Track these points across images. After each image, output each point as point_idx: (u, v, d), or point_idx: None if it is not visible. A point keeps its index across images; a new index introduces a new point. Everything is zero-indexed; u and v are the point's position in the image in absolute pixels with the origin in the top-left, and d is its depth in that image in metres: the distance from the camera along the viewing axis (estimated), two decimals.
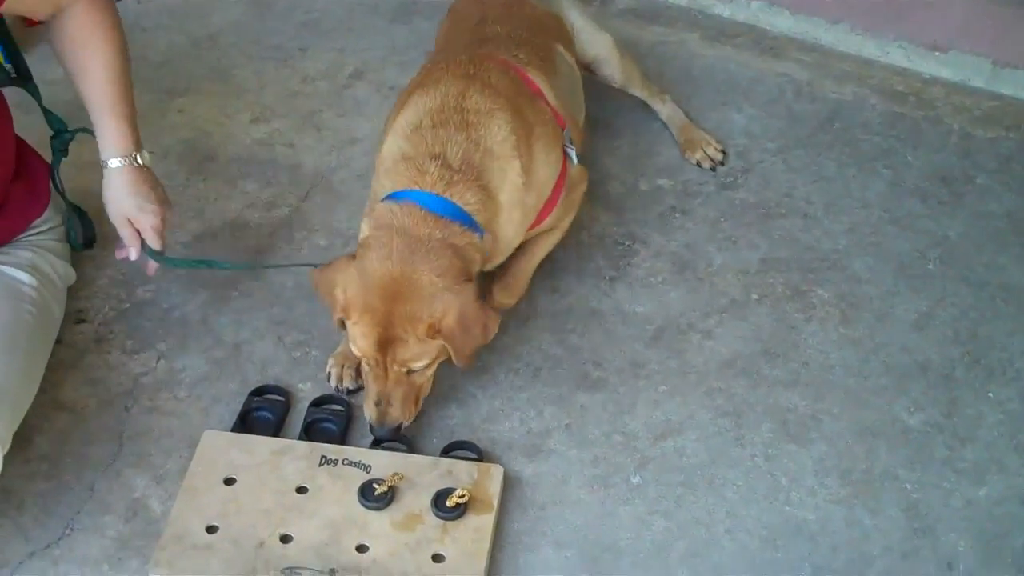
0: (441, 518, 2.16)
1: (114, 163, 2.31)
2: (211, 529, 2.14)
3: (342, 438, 2.34)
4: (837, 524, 2.24)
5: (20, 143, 2.35)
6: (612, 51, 3.02)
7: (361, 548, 2.12)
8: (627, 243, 2.82)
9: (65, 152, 2.46)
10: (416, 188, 2.19)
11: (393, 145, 2.29)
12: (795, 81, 3.33)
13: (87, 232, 2.56)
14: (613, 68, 3.04)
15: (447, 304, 2.11)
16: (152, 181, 2.37)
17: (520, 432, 2.39)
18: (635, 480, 2.31)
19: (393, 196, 2.21)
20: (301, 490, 2.21)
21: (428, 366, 2.21)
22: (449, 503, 2.16)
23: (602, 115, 3.13)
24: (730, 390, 2.48)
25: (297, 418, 2.39)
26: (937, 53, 3.33)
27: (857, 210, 2.93)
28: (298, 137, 3.10)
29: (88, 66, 2.27)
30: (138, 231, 2.38)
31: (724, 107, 3.22)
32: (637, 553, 2.18)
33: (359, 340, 2.15)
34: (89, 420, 2.38)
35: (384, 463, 2.25)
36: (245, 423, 2.36)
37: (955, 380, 2.52)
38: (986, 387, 2.50)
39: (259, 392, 2.42)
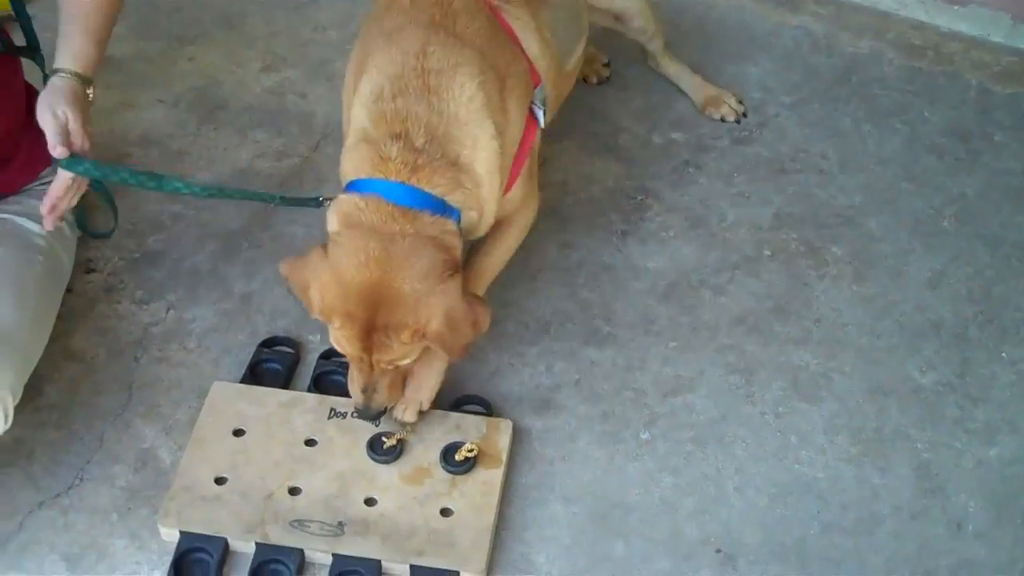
0: (450, 472, 2.16)
1: (63, 76, 2.15)
2: (220, 480, 2.14)
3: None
4: (847, 483, 2.23)
5: (31, 94, 2.33)
6: (642, 3, 2.85)
7: (369, 501, 2.13)
8: (639, 197, 2.79)
9: None
10: (380, 177, 1.99)
11: (357, 118, 2.07)
12: (811, 34, 3.28)
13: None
14: (646, 20, 2.88)
15: (432, 309, 1.95)
16: (87, 114, 2.18)
17: (529, 387, 2.38)
18: (644, 436, 2.30)
19: (357, 187, 2.02)
20: (310, 442, 2.21)
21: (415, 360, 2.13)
22: (458, 457, 2.16)
23: (613, 66, 3.10)
24: (741, 347, 2.47)
25: (306, 370, 2.38)
26: (956, 7, 3.28)
27: (873, 166, 2.90)
28: (309, 87, 3.07)
29: None
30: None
31: (740, 60, 3.18)
32: (645, 509, 2.18)
33: (342, 343, 2.02)
34: (99, 370, 2.38)
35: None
36: (254, 374, 2.36)
37: (968, 340, 2.50)
38: (999, 347, 2.48)
39: (268, 344, 2.42)
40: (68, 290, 2.43)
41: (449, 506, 2.12)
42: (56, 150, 2.08)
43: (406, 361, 2.05)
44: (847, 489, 2.22)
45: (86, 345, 2.42)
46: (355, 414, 2.16)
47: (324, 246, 2.00)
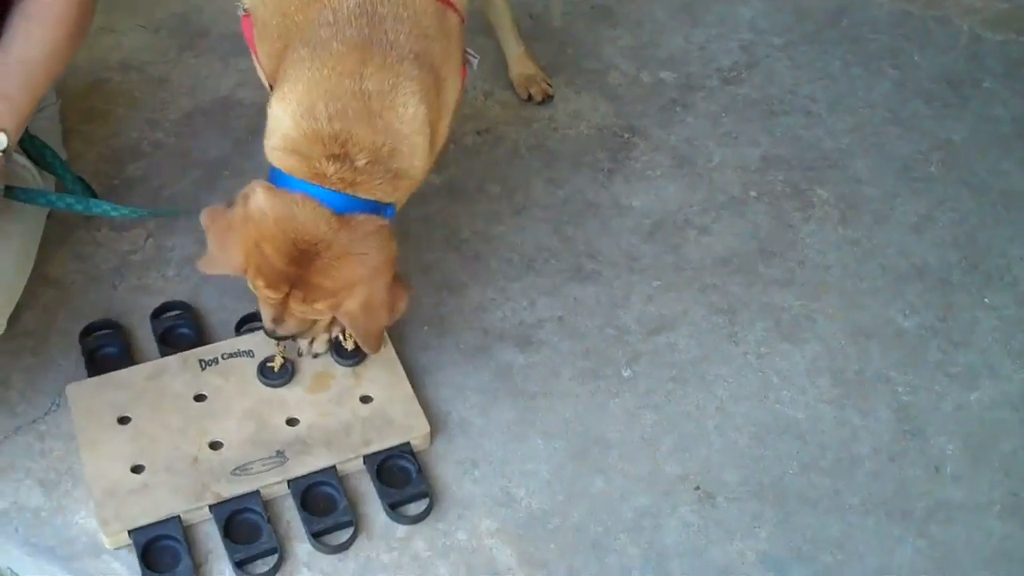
0: (348, 366, 2.18)
1: None
2: (137, 469, 2.04)
3: (203, 337, 2.28)
4: (827, 424, 2.23)
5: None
6: None
7: (292, 422, 2.11)
8: (626, 135, 2.77)
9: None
10: (315, 184, 1.87)
11: (283, 124, 1.89)
12: None
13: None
14: None
15: (353, 290, 1.89)
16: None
17: (512, 322, 2.37)
18: (626, 374, 2.30)
19: (285, 183, 1.88)
20: (200, 398, 2.15)
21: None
22: (348, 347, 2.17)
23: (604, 2, 3.06)
24: (725, 287, 2.46)
25: (146, 337, 2.29)
26: None
27: (861, 110, 2.88)
28: None
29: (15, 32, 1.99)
30: None
31: (730, 0, 3.15)
32: (625, 446, 2.18)
33: (261, 294, 1.94)
34: (76, 296, 2.36)
35: (262, 341, 2.18)
36: (95, 364, 2.23)
37: (952, 284, 2.50)
38: (982, 292, 2.48)
39: (87, 332, 2.29)
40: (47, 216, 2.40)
41: (366, 393, 2.14)
42: None
43: (318, 319, 2.02)
44: (827, 430, 2.22)
45: (64, 271, 2.39)
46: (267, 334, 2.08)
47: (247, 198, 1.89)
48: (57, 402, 2.18)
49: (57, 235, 2.42)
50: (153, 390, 2.16)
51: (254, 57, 2.14)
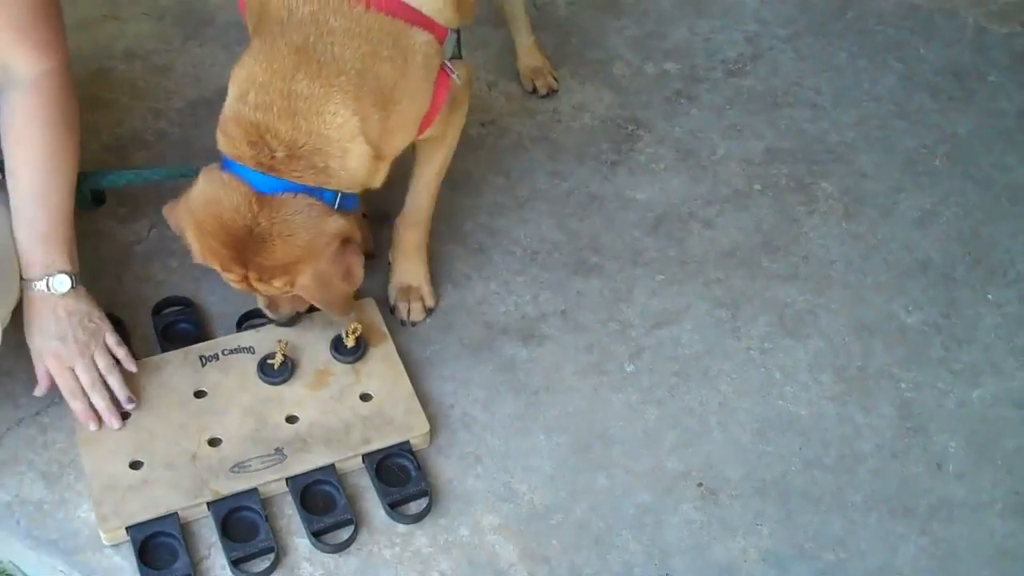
0: (348, 363, 2.18)
1: (37, 286, 2.02)
2: (135, 465, 2.04)
3: (205, 333, 2.28)
4: (829, 420, 2.23)
5: None
6: None
7: (291, 419, 2.11)
8: (630, 127, 2.76)
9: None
10: (244, 165, 1.88)
11: (230, 91, 1.93)
12: None
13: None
14: None
15: (299, 265, 1.91)
16: (86, 301, 2.07)
17: (515, 316, 2.36)
18: (629, 368, 2.30)
19: (224, 165, 1.92)
20: (200, 394, 2.14)
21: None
22: (348, 344, 2.17)
23: None
24: (728, 281, 2.46)
25: (147, 332, 2.29)
26: None
27: (866, 103, 2.87)
28: None
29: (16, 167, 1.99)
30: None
31: None
32: (628, 442, 2.18)
33: (226, 280, 1.99)
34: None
35: (263, 338, 2.21)
36: None
37: (955, 280, 2.49)
38: (986, 288, 2.48)
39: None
40: None
41: (366, 391, 2.14)
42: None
43: (292, 293, 2.01)
44: (829, 426, 2.22)
45: None
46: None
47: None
48: (59, 394, 2.18)
49: None
50: (153, 385, 2.16)
51: None
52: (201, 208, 1.91)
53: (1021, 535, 2.08)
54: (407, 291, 2.33)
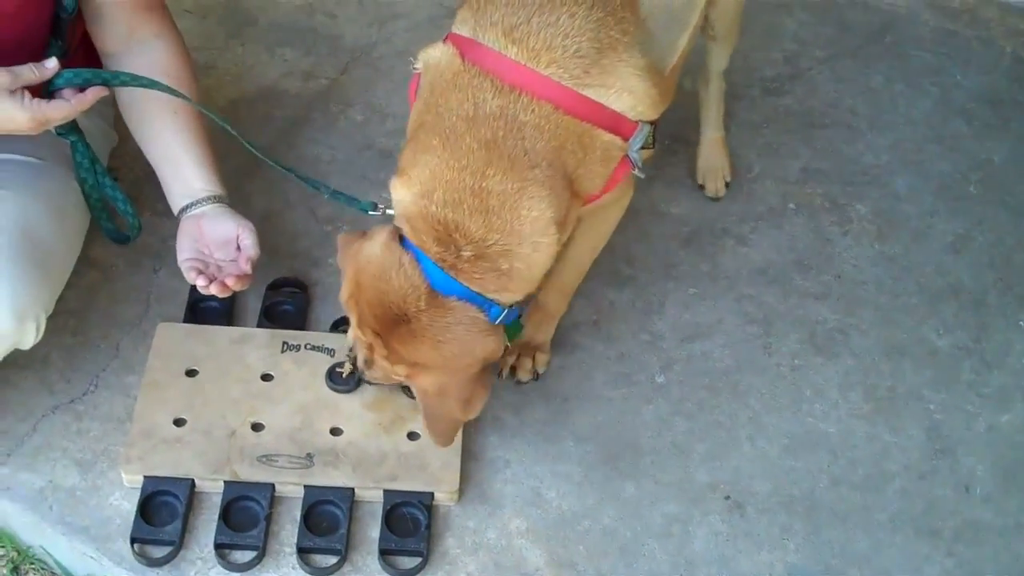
0: (412, 397, 2.12)
1: (209, 204, 2.16)
2: (179, 422, 2.09)
3: (302, 321, 2.31)
4: (858, 439, 2.24)
5: None
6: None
7: (335, 431, 2.11)
8: (667, 142, 2.77)
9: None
10: (426, 255, 1.82)
11: (404, 202, 1.86)
12: None
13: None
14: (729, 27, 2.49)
15: (431, 371, 1.87)
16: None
17: None
18: (660, 380, 2.31)
19: (404, 241, 1.85)
20: (266, 377, 2.18)
21: None
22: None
23: None
24: (760, 298, 2.47)
25: (254, 303, 2.33)
26: None
27: (902, 126, 2.88)
28: (339, 7, 3.03)
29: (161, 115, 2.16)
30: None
31: (776, 11, 3.15)
32: (657, 452, 2.19)
33: (355, 330, 1.94)
34: (117, 280, 2.38)
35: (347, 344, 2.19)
36: (194, 313, 2.30)
37: (987, 305, 2.50)
38: (1017, 315, 2.48)
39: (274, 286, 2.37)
40: None
41: (416, 429, 2.11)
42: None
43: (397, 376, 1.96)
44: (858, 445, 2.23)
45: (105, 254, 2.41)
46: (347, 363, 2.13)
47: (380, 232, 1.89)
48: (95, 383, 2.21)
49: None
50: (230, 355, 2.21)
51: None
52: (368, 272, 1.85)
53: None
54: (524, 346, 2.27)
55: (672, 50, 2.00)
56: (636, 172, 1.94)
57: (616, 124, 1.85)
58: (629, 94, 1.84)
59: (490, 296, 1.84)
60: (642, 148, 1.92)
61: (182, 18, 2.90)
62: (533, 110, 1.79)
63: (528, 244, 1.82)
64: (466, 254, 1.80)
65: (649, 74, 1.87)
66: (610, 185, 1.95)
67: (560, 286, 2.23)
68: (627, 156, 1.91)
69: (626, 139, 1.88)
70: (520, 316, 1.98)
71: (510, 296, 1.86)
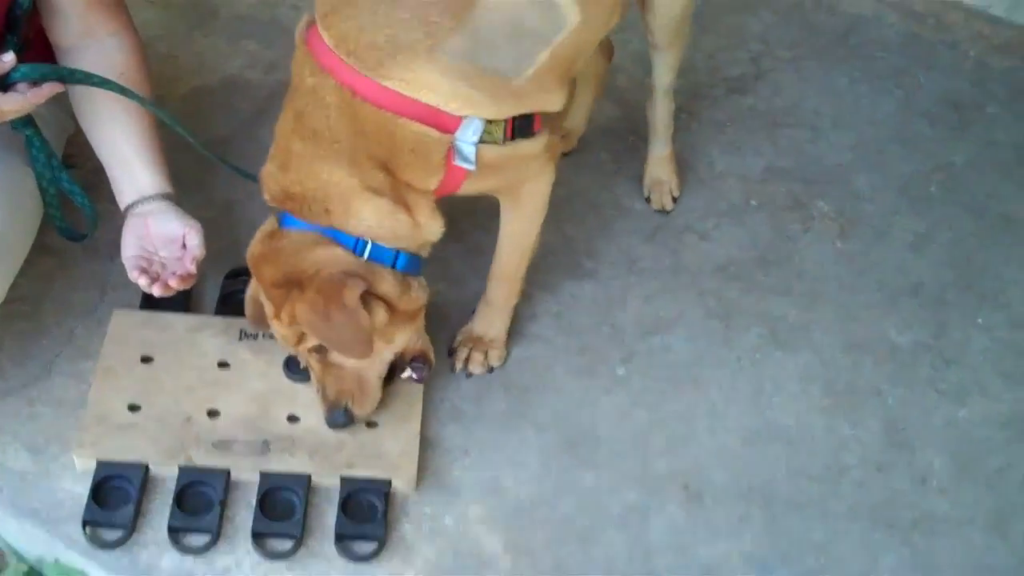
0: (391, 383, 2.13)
1: (156, 203, 2.17)
2: (133, 408, 2.08)
3: None
4: (816, 432, 2.24)
5: None
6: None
7: (292, 418, 2.10)
8: (630, 138, 2.78)
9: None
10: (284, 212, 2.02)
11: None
12: None
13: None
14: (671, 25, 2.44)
15: (304, 298, 1.93)
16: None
17: None
18: (620, 372, 2.30)
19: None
20: (223, 365, 2.17)
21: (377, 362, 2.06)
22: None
23: None
24: (722, 293, 2.47)
25: (211, 291, 2.33)
26: None
27: (865, 127, 2.89)
28: (301, 0, 3.03)
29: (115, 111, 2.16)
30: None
31: (741, 11, 3.17)
32: (616, 442, 2.18)
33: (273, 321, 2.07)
34: (73, 267, 2.36)
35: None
36: (150, 300, 2.24)
37: (946, 303, 2.51)
38: (976, 313, 2.50)
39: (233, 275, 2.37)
40: None
41: (374, 419, 2.10)
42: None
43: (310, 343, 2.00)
44: (816, 438, 2.23)
45: (61, 241, 2.36)
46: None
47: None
48: (49, 369, 2.19)
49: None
50: (186, 342, 2.20)
51: None
52: (255, 243, 2.04)
53: (1001, 550, 2.09)
54: (477, 340, 2.29)
55: (527, 61, 1.90)
56: (460, 163, 1.93)
57: (430, 116, 1.87)
58: (430, 91, 1.84)
59: (326, 225, 1.96)
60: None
61: (144, 9, 2.91)
62: (337, 93, 1.88)
63: (338, 200, 1.94)
64: (299, 202, 1.96)
65: (463, 77, 1.84)
66: (453, 174, 1.95)
67: (498, 274, 2.24)
68: (453, 147, 1.91)
69: (447, 132, 1.89)
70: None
71: (354, 231, 1.96)
